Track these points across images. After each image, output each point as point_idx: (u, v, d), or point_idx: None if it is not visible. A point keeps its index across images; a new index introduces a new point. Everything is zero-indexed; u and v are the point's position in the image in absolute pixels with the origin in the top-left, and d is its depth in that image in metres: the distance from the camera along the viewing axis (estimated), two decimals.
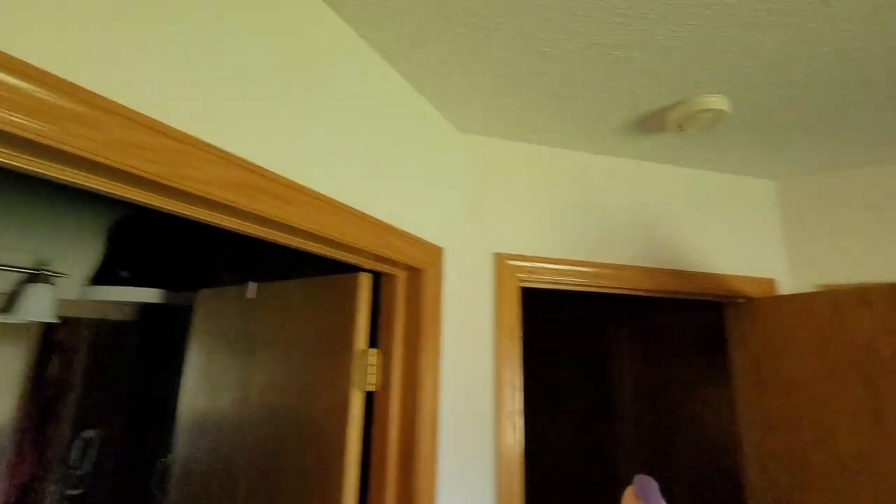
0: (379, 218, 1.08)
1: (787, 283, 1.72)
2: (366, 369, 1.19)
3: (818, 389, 1.37)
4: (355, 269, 1.21)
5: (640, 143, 1.51)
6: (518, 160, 1.54)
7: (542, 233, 1.49)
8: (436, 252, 1.28)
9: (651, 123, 1.39)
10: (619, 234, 1.56)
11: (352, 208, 1.00)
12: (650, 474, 2.70)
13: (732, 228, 1.73)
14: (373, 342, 1.25)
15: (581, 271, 1.48)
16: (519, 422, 1.31)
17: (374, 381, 1.20)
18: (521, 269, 1.42)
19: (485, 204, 1.47)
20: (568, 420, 3.18)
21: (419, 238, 1.21)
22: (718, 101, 1.24)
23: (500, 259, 1.41)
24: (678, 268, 1.60)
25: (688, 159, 1.63)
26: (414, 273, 1.26)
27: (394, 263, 1.20)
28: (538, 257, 1.45)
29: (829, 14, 0.94)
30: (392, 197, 1.15)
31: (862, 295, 1.28)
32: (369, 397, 1.22)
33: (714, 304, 2.34)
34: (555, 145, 1.57)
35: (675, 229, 1.66)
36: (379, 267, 1.20)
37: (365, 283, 1.25)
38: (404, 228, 1.17)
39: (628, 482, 2.07)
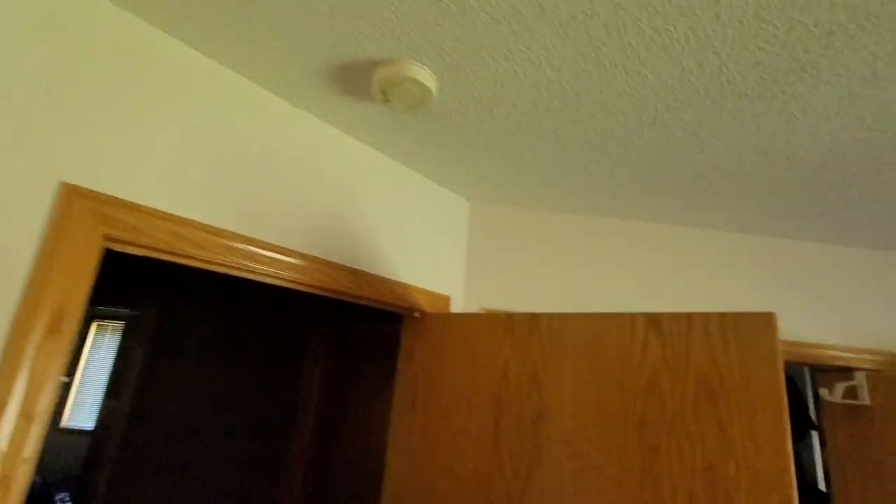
0: None
1: (460, 303, 1.72)
2: None
3: (461, 413, 1.31)
4: None
5: (344, 108, 1.23)
6: None
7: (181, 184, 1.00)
8: None
9: (355, 81, 1.12)
10: (291, 207, 1.22)
11: None
12: (316, 484, 2.45)
13: (425, 239, 1.64)
14: None
15: (227, 245, 1.06)
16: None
17: None
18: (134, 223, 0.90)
19: None
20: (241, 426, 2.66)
21: None
22: (425, 75, 1.05)
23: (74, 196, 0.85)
24: (359, 267, 1.37)
25: (394, 147, 1.44)
26: None
27: None
28: (156, 211, 0.95)
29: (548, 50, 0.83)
30: None
31: (508, 321, 1.27)
32: None
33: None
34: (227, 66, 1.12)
35: (366, 225, 1.43)
36: None
37: None
38: None
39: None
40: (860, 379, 1.72)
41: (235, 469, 2.62)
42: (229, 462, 2.63)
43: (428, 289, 1.61)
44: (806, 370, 2.43)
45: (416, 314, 1.57)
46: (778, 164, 1.31)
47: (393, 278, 1.48)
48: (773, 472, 0.82)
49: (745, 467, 0.85)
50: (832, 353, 1.80)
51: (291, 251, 1.18)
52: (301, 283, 1.20)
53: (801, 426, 2.19)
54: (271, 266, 1.14)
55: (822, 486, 2.29)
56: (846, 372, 1.80)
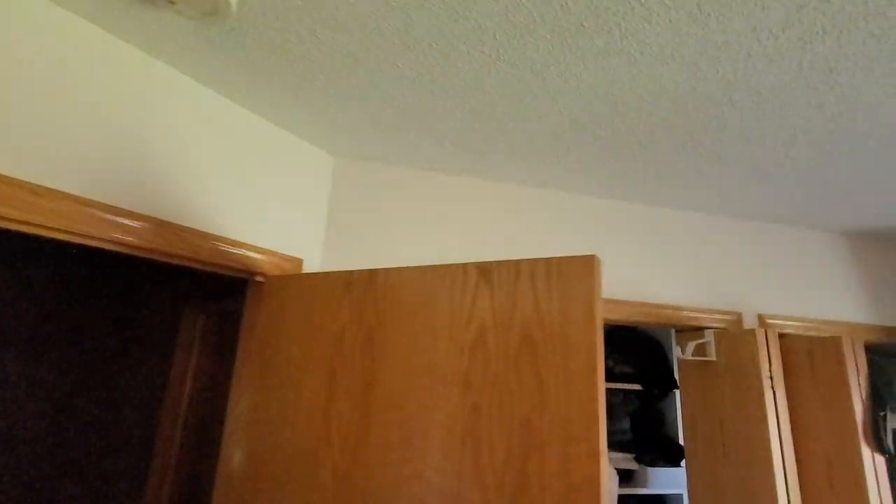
0: None
1: (317, 267, 1.56)
2: None
3: (294, 386, 1.16)
4: None
5: (146, 19, 0.99)
6: None
7: None
8: None
9: None
10: (58, 137, 0.97)
11: None
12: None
13: (275, 196, 1.45)
14: None
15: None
16: None
17: None
18: None
19: None
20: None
21: None
22: None
23: None
24: (172, 220, 1.15)
25: (218, 78, 1.22)
26: None
27: None
28: None
29: None
30: None
31: (347, 279, 1.13)
32: None
33: None
34: None
35: (195, 173, 1.21)
36: None
37: None
38: None
39: None
40: (709, 336, 1.82)
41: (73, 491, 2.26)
42: (62, 482, 2.26)
43: (275, 250, 1.42)
44: (673, 332, 2.59)
45: (259, 278, 1.38)
46: (628, 118, 1.29)
47: (225, 235, 1.28)
48: (583, 423, 0.77)
49: (558, 419, 0.79)
50: (688, 314, 1.89)
51: (53, 191, 0.94)
52: (71, 234, 0.96)
53: (665, 384, 2.32)
54: (25, 212, 0.89)
55: (682, 440, 2.46)
56: (700, 331, 1.91)
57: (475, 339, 0.91)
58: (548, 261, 0.88)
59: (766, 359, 1.65)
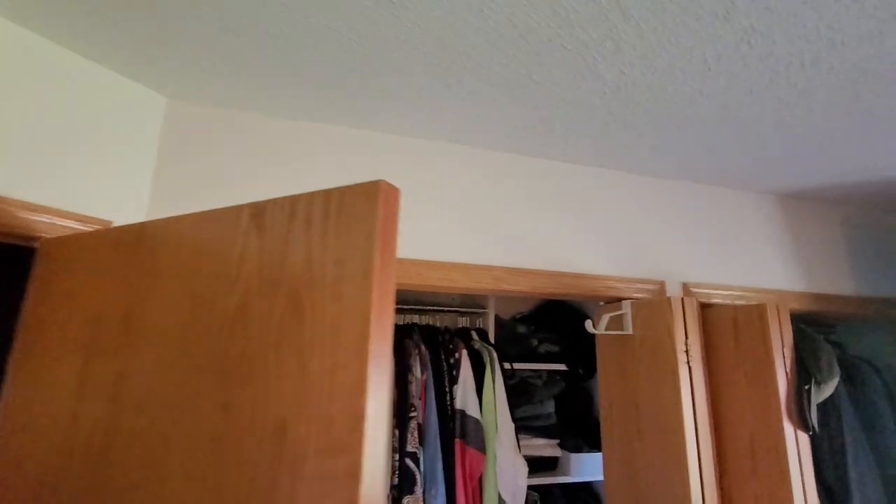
0: None
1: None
2: None
3: (45, 382, 0.86)
4: None
5: None
6: None
7: None
8: None
9: None
10: None
11: None
12: None
13: (75, 142, 1.13)
14: None
15: None
16: None
17: None
18: None
19: None
20: None
21: None
22: None
23: None
24: None
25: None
26: None
27: None
28: None
29: None
30: None
31: (117, 238, 0.83)
32: None
33: None
34: None
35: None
36: None
37: None
38: None
39: None
40: (626, 308, 1.62)
41: None
42: None
43: (69, 210, 1.10)
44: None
45: (36, 243, 1.06)
46: (518, 52, 1.03)
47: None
48: (346, 425, 0.51)
49: (318, 420, 0.53)
50: (607, 283, 1.68)
51: None
52: None
53: (592, 363, 2.13)
54: None
55: None
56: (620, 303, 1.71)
57: (238, 308, 0.64)
58: (327, 193, 0.61)
59: (683, 331, 1.46)
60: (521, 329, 2.23)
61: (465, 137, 1.54)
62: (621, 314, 1.63)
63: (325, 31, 1.01)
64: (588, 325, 1.56)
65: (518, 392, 2.12)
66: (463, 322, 2.09)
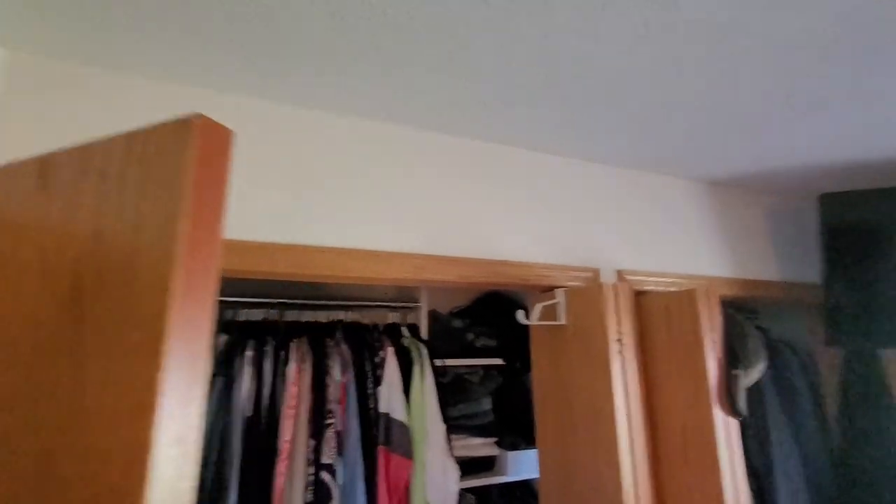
0: None
1: None
2: None
3: None
4: None
5: None
6: None
7: None
8: None
9: None
10: None
11: None
12: None
13: None
14: None
15: None
16: None
17: None
18: None
19: None
20: None
21: None
22: None
23: None
24: None
25: None
26: None
27: None
28: None
29: None
30: None
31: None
32: None
33: None
34: None
35: None
36: None
37: None
38: None
39: None
40: (559, 297, 1.54)
41: None
42: None
43: None
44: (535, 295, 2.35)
45: None
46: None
47: None
48: (122, 461, 0.35)
49: (92, 454, 0.37)
50: (539, 272, 1.60)
51: None
52: None
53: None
54: None
55: None
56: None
57: (16, 298, 0.46)
58: (130, 137, 0.45)
59: (615, 319, 1.39)
60: (457, 323, 2.12)
61: (380, 113, 1.39)
62: (555, 304, 1.55)
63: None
64: (520, 315, 1.47)
65: (453, 390, 2.01)
66: (394, 318, 1.94)
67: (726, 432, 1.40)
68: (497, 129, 1.51)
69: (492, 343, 2.15)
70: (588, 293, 1.46)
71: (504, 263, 1.53)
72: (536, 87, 1.25)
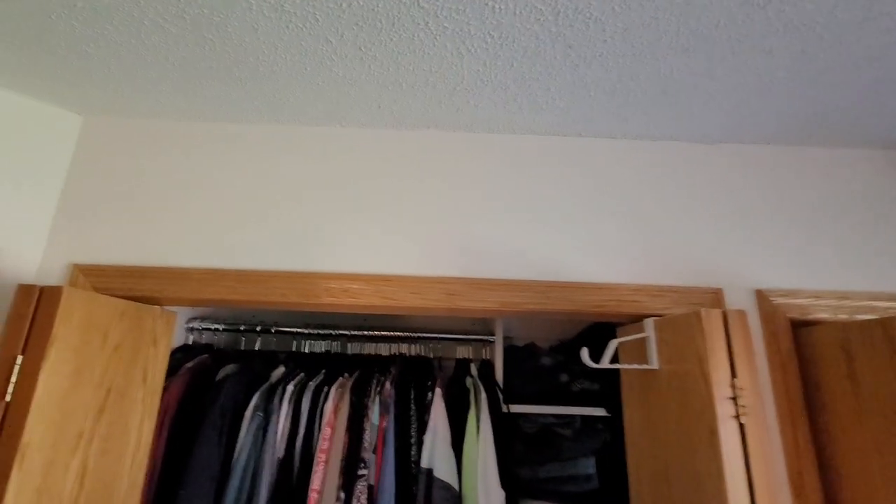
0: None
1: (36, 260, 1.16)
2: None
3: None
4: None
5: None
6: None
7: None
8: None
9: None
10: None
11: None
12: None
13: None
14: None
15: None
16: None
17: None
18: None
19: None
20: None
21: None
22: None
23: None
24: None
25: None
26: None
27: None
28: None
29: None
30: None
31: None
32: None
33: None
34: None
35: None
36: None
37: None
38: None
39: None
40: (648, 329, 1.12)
41: None
42: None
43: None
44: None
45: None
46: None
47: None
48: None
49: None
50: (625, 296, 1.21)
51: None
52: None
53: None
54: None
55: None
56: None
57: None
58: None
59: (726, 365, 0.93)
60: (546, 361, 1.77)
61: (407, 120, 1.24)
62: (642, 338, 1.14)
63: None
64: (584, 354, 1.10)
65: (540, 444, 1.65)
66: (464, 352, 1.71)
67: None
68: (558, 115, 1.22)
69: (594, 387, 1.72)
70: (681, 325, 1.02)
71: (565, 286, 1.19)
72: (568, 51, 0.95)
